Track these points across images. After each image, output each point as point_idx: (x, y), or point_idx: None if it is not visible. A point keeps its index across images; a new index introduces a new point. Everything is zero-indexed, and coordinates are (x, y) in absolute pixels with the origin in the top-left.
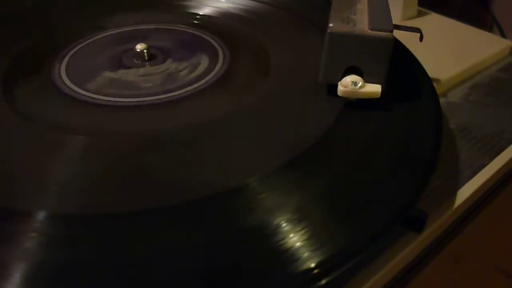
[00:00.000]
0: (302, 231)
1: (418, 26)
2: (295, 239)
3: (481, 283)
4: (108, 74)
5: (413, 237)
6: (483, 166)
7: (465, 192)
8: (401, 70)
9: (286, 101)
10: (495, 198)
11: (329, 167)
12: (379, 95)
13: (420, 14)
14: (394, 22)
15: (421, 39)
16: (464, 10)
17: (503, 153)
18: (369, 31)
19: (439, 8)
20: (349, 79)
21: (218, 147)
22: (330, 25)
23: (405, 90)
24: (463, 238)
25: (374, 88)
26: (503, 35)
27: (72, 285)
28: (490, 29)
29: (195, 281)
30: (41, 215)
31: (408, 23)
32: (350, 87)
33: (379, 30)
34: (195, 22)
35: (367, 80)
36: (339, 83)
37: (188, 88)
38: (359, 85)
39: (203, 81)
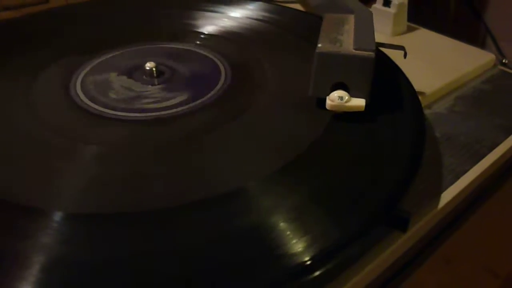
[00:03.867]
0: (296, 229)
1: (407, 41)
2: (290, 236)
3: (471, 284)
4: (119, 89)
5: (399, 236)
6: (465, 171)
7: (447, 195)
8: (388, 83)
9: (280, 113)
10: (485, 201)
11: (319, 172)
12: (363, 109)
13: (409, 29)
14: (384, 38)
15: (405, 56)
16: (457, 20)
17: (484, 159)
18: (354, 50)
19: (433, 18)
20: (336, 94)
21: (218, 155)
22: (319, 45)
23: (390, 102)
24: (454, 239)
25: (359, 102)
26: (495, 43)
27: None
28: (483, 38)
29: (199, 277)
30: (58, 214)
31: (398, 39)
32: (337, 101)
33: (362, 50)
34: (200, 41)
35: (352, 94)
36: (327, 97)
37: (192, 104)
38: (345, 99)
39: (205, 97)
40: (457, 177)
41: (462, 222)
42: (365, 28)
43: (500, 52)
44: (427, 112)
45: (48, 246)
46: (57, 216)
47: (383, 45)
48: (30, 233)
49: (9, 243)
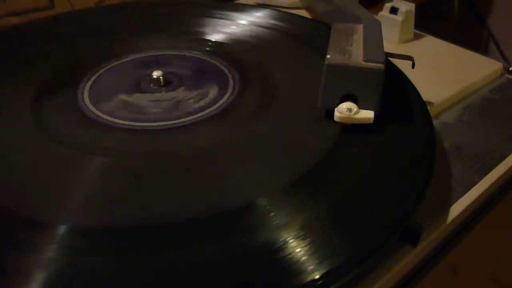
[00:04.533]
0: (307, 246)
1: (414, 49)
2: (301, 253)
3: None
4: (125, 98)
5: (409, 250)
6: (474, 183)
7: (457, 208)
8: (396, 94)
9: (289, 126)
10: (491, 212)
11: (329, 187)
12: (372, 121)
13: (416, 37)
14: (391, 45)
15: (413, 66)
16: (461, 26)
17: (493, 171)
18: (363, 62)
19: (437, 24)
20: (344, 105)
21: (225, 169)
22: (328, 56)
23: (400, 113)
24: (460, 250)
25: (368, 114)
26: (499, 49)
27: None
28: (486, 44)
29: None
30: (62, 228)
31: (405, 46)
32: (346, 113)
33: (372, 62)
34: (208, 48)
35: (361, 106)
36: (335, 109)
37: (201, 114)
38: (354, 111)
39: (215, 107)
40: (467, 189)
41: (468, 232)
42: (374, 38)
43: (503, 57)
44: (435, 122)
45: (51, 260)
46: (62, 229)
47: (391, 55)
48: (33, 246)
49: (12, 256)
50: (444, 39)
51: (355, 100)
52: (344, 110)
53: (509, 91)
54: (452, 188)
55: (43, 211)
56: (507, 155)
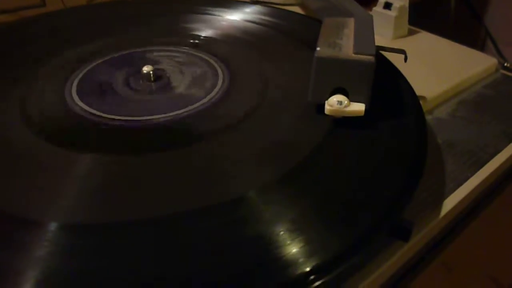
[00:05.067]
0: (296, 239)
1: (408, 45)
2: (290, 246)
3: None
4: (114, 93)
5: (401, 245)
6: (466, 178)
7: (449, 203)
8: (388, 88)
9: (280, 119)
10: (487, 207)
11: (319, 181)
12: (363, 114)
13: (411, 32)
14: (385, 41)
15: (405, 59)
16: (458, 23)
17: (485, 166)
18: (353, 55)
19: (434, 22)
20: (335, 98)
21: (215, 163)
22: (318, 49)
23: (392, 107)
24: (455, 247)
25: (358, 107)
26: (495, 46)
27: None
28: (483, 41)
29: (198, 287)
30: (52, 225)
31: (399, 42)
32: (336, 106)
33: (362, 54)
34: (197, 43)
35: (352, 99)
36: (326, 102)
37: (190, 108)
38: (344, 104)
39: (205, 100)
40: (459, 185)
41: (463, 228)
42: (365, 32)
43: (500, 55)
44: (428, 117)
45: (42, 258)
46: (52, 226)
47: (383, 48)
48: (24, 244)
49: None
50: (440, 36)
51: (345, 93)
52: (335, 103)
53: (504, 86)
54: (445, 183)
55: (33, 209)
56: (500, 150)
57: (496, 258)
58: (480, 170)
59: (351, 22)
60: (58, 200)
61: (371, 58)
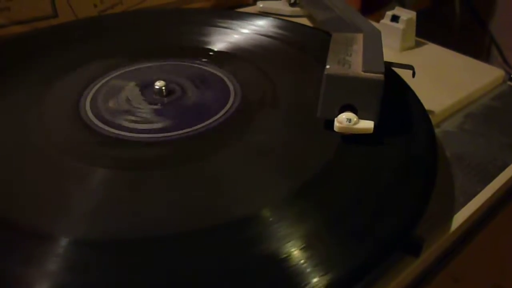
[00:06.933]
0: (308, 258)
1: (416, 57)
2: (304, 265)
3: None
4: (127, 108)
5: (412, 260)
6: (476, 193)
7: (459, 218)
8: (397, 102)
9: (290, 135)
10: (493, 220)
11: (330, 198)
12: (371, 131)
13: (418, 44)
14: (393, 53)
15: (413, 75)
16: (463, 32)
17: (495, 180)
18: (362, 72)
19: (439, 31)
20: (344, 116)
21: (225, 180)
22: (327, 66)
23: (401, 122)
24: (462, 258)
25: (367, 125)
26: (501, 55)
27: None
28: (488, 47)
29: None
30: (64, 240)
31: (406, 54)
32: (345, 124)
33: (371, 72)
34: (209, 58)
35: (361, 116)
36: (335, 119)
37: (202, 124)
38: (353, 121)
39: (216, 117)
40: (468, 199)
41: (471, 241)
42: (374, 48)
43: (504, 60)
44: (436, 131)
45: (52, 273)
46: (64, 241)
47: (392, 64)
48: (34, 258)
49: (11, 268)
50: (446, 46)
51: (354, 110)
52: (344, 120)
53: (511, 98)
54: (455, 197)
55: (45, 223)
56: (509, 163)
57: (503, 268)
58: (490, 184)
59: (359, 37)
60: (71, 215)
61: (380, 76)
